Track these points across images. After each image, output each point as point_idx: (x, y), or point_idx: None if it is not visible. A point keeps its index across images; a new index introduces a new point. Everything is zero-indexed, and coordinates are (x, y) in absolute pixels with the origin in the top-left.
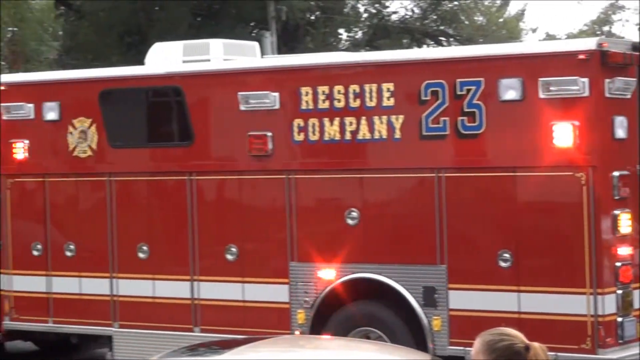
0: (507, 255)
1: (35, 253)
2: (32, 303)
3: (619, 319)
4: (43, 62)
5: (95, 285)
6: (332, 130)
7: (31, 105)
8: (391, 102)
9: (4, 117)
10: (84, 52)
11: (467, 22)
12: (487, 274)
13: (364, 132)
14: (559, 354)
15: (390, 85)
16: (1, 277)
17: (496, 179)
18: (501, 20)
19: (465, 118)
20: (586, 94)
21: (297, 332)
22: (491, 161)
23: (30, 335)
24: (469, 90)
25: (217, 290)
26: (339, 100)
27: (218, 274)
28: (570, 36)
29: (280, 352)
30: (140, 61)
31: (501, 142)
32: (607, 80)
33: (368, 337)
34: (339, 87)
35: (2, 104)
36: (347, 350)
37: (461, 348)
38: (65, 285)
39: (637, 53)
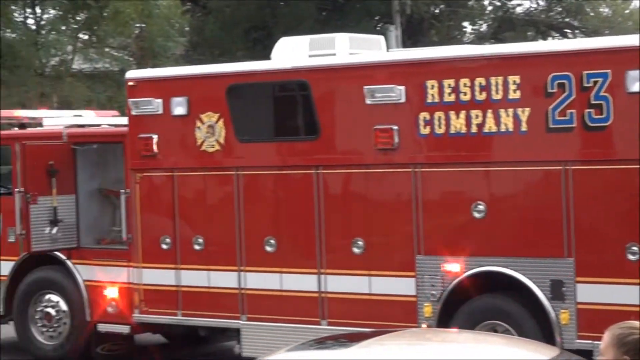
0: (635, 249)
1: (164, 247)
2: (161, 296)
3: None
4: (170, 58)
5: (223, 279)
6: (458, 123)
7: (159, 101)
8: (517, 94)
9: (133, 113)
10: (210, 48)
11: (592, 14)
12: (615, 267)
13: (490, 125)
14: None
15: (517, 78)
16: (131, 271)
17: (624, 171)
18: (627, 11)
19: (592, 110)
20: None
21: (423, 326)
22: (618, 154)
23: (160, 327)
24: (595, 83)
25: (343, 284)
26: (464, 94)
27: (345, 267)
28: None
29: (408, 346)
30: (265, 56)
31: (628, 134)
32: None
33: (495, 331)
34: (464, 80)
35: (130, 100)
36: (475, 344)
37: (589, 342)
38: (194, 278)
39: None
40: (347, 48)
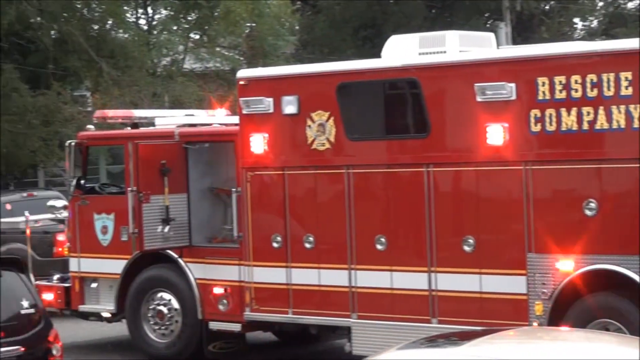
0: None
1: (275, 245)
2: (272, 294)
3: None
4: (280, 57)
5: (334, 277)
6: (569, 120)
7: (270, 99)
8: (629, 91)
9: (244, 112)
10: (320, 46)
11: None
12: None
13: (601, 122)
14: None
15: (629, 74)
16: (242, 269)
17: None
18: None
19: None
20: None
21: (535, 324)
22: None
23: (270, 326)
24: None
25: (454, 282)
26: (576, 90)
27: (455, 265)
28: None
29: (519, 344)
30: (375, 54)
31: None
32: None
33: (607, 329)
34: (576, 77)
35: (241, 99)
36: (587, 343)
37: None
38: (305, 276)
39: None
40: (457, 45)
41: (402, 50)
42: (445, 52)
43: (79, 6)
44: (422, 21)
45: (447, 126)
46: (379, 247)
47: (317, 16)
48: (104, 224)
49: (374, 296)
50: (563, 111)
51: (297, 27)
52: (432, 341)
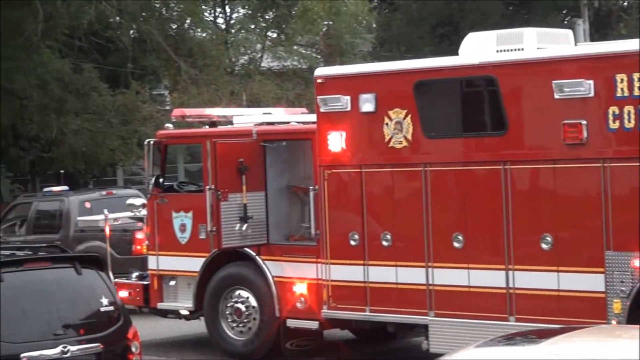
0: None
1: (352, 243)
2: (349, 292)
3: None
4: (357, 55)
5: (411, 275)
6: None
7: (347, 98)
8: None
9: (321, 110)
10: (397, 44)
11: None
12: None
13: None
14: None
15: None
16: (319, 267)
17: None
18: None
19: None
20: None
21: (613, 322)
22: None
23: (348, 323)
24: None
25: (532, 280)
26: None
27: (533, 263)
28: None
29: (597, 342)
30: (452, 52)
31: None
32: None
33: None
34: None
35: (319, 97)
36: None
37: None
38: (382, 274)
39: None
40: (534, 43)
41: (479, 48)
42: (522, 49)
43: (157, 6)
44: (499, 18)
45: (525, 123)
46: (456, 245)
47: (394, 14)
48: (182, 222)
49: (451, 294)
50: None
51: (374, 25)
52: (510, 339)
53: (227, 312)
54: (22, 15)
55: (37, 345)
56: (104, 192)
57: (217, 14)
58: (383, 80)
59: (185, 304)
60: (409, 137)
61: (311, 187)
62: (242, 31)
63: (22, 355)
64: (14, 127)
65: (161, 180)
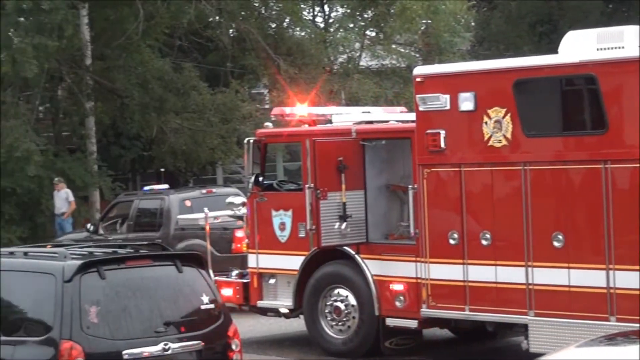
0: None
1: (451, 242)
2: (449, 291)
3: None
4: (456, 54)
5: (510, 274)
6: None
7: (447, 96)
8: None
9: (420, 108)
10: (495, 43)
11: None
12: None
13: None
14: None
15: None
16: (418, 265)
17: None
18: None
19: None
20: None
21: None
22: None
23: (447, 323)
24: None
25: (633, 280)
26: None
27: (635, 263)
28: None
29: None
30: (551, 50)
31: None
32: None
33: None
34: None
35: (418, 96)
36: None
37: None
38: (482, 273)
39: None
40: (635, 41)
41: (579, 46)
42: (623, 47)
43: (256, 5)
44: (599, 16)
45: (626, 122)
46: (556, 244)
47: (493, 12)
48: (281, 220)
49: (551, 293)
50: None
51: (472, 24)
52: (611, 339)
53: (327, 311)
54: (123, 15)
55: (138, 342)
56: (204, 191)
57: (316, 13)
58: (482, 79)
59: (284, 302)
60: (509, 135)
61: (410, 186)
62: (341, 30)
63: (124, 352)
64: (114, 125)
65: (261, 178)
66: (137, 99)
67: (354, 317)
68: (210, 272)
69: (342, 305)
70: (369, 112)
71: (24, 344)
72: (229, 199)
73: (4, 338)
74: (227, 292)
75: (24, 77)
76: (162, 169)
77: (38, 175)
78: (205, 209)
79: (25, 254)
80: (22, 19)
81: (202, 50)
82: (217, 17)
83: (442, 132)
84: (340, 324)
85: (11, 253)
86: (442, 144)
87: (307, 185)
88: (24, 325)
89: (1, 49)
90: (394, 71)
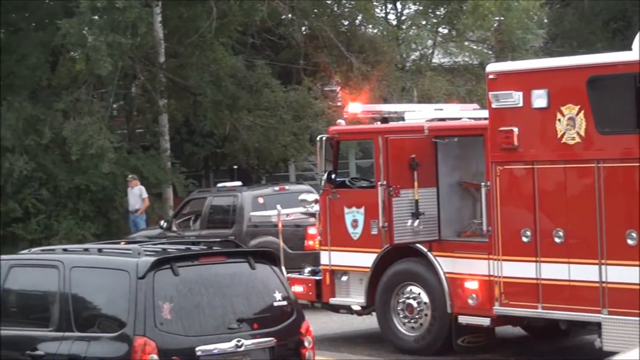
0: None
1: (524, 239)
2: (521, 289)
3: None
4: (529, 51)
5: (584, 272)
6: None
7: (519, 93)
8: None
9: (493, 106)
10: (568, 40)
11: None
12: None
13: None
14: None
15: None
16: (491, 263)
17: None
18: None
19: None
20: None
21: None
22: None
23: (519, 321)
24: None
25: None
26: None
27: None
28: None
29: None
30: (625, 47)
31: None
32: None
33: None
34: None
35: (490, 93)
36: None
37: None
38: (554, 271)
39: None
40: None
41: None
42: None
43: (329, 2)
44: None
45: None
46: (630, 242)
47: (566, 9)
48: (354, 217)
49: (625, 292)
50: None
51: (545, 21)
52: None
53: (399, 308)
54: (196, 13)
55: (211, 338)
56: (276, 188)
57: (388, 10)
58: (555, 76)
59: (357, 300)
60: (582, 133)
61: (483, 183)
62: (413, 27)
63: (197, 348)
64: (188, 123)
65: (333, 176)
66: (210, 97)
67: (426, 315)
68: (283, 269)
69: (414, 303)
70: (441, 109)
71: (98, 340)
72: (302, 196)
73: (77, 334)
74: (299, 289)
75: (98, 75)
76: (235, 166)
77: (112, 172)
78: (278, 206)
79: (100, 250)
80: (96, 17)
81: (274, 47)
82: (289, 15)
83: (515, 130)
84: (412, 321)
85: (85, 249)
86: (515, 141)
87: (379, 183)
88: (98, 321)
89: (76, 47)
90: (466, 68)
